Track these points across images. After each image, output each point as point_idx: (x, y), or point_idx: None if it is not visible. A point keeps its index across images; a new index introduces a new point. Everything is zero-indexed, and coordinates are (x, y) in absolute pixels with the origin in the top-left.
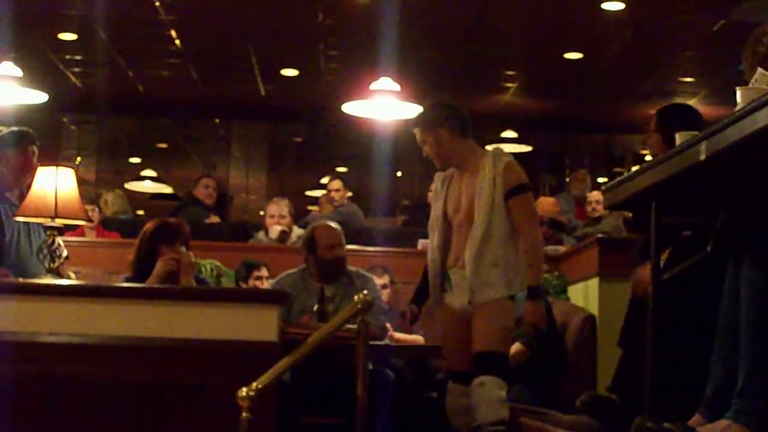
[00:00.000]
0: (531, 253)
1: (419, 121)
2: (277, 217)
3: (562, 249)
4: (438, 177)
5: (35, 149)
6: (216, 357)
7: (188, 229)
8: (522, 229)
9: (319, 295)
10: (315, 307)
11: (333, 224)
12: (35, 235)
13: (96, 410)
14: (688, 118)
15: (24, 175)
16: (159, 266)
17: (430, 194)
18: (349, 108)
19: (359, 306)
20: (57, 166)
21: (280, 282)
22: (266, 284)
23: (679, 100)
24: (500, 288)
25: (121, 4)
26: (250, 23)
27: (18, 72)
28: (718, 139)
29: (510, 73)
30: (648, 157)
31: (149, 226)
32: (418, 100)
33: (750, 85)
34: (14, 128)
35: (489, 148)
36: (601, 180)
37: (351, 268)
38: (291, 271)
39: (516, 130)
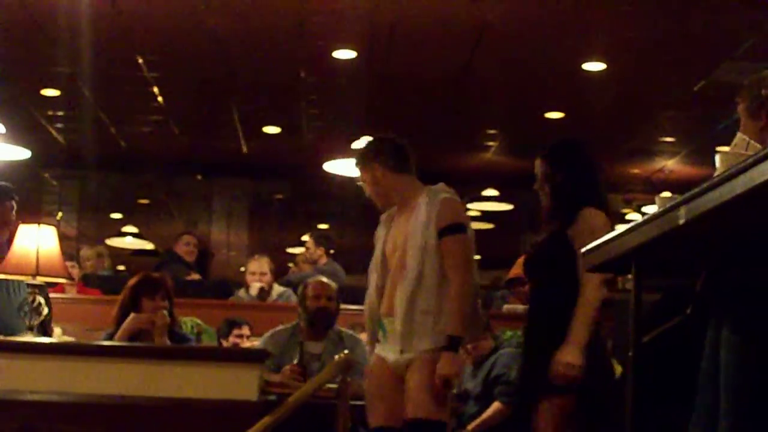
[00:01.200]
0: (456, 300)
1: (356, 158)
2: (257, 274)
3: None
4: (382, 218)
5: (14, 204)
6: (196, 416)
7: (171, 283)
8: (450, 273)
9: (300, 352)
10: (295, 362)
11: (326, 280)
12: (15, 293)
13: None
14: (574, 157)
15: (1, 230)
16: (128, 321)
17: None
18: (330, 167)
19: (340, 365)
20: (39, 223)
21: (272, 337)
22: (247, 343)
23: (659, 159)
24: (431, 338)
25: (104, 61)
26: (232, 81)
27: (1, 128)
28: (697, 204)
29: (491, 131)
30: (631, 216)
31: (132, 280)
32: None
33: (730, 148)
34: None
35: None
36: None
37: (342, 328)
38: (282, 327)
39: (497, 188)
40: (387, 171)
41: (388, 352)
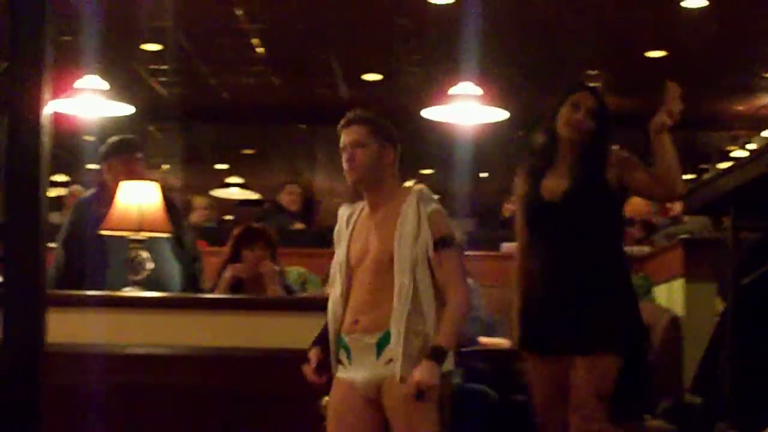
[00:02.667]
0: (455, 311)
1: (374, 125)
2: None
3: (646, 249)
4: (342, 213)
5: (140, 155)
6: (301, 367)
7: (273, 234)
8: (447, 289)
9: None
10: None
11: None
12: (160, 251)
13: (183, 421)
14: None
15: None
16: (225, 273)
17: (338, 232)
18: (428, 113)
19: None
20: (141, 179)
21: None
22: None
23: (763, 95)
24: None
25: (203, 14)
26: (330, 29)
27: (104, 85)
28: None
29: (592, 72)
30: (736, 153)
31: (234, 232)
32: (500, 102)
33: None
34: (117, 137)
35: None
36: (686, 177)
37: None
38: None
39: None
40: (394, 161)
41: (357, 372)
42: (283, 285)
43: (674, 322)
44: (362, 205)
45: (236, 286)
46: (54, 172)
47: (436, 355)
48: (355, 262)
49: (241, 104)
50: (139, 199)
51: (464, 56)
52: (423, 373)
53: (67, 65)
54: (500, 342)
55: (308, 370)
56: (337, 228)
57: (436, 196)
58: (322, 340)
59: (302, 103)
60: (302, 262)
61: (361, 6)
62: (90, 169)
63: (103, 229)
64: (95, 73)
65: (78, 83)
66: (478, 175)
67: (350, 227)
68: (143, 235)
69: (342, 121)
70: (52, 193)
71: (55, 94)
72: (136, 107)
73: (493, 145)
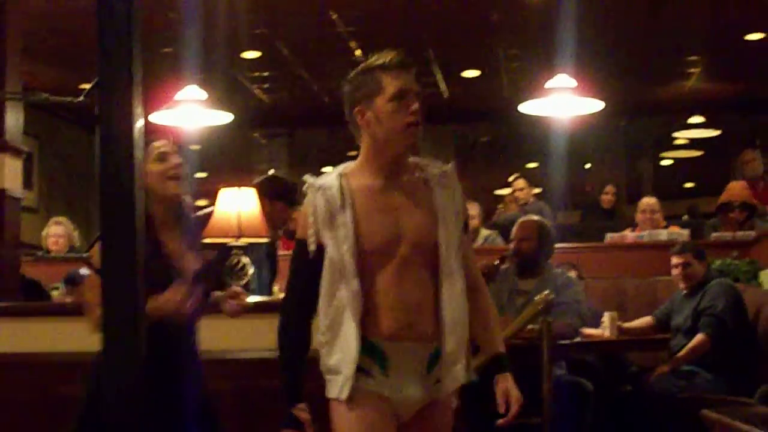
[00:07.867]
0: (495, 312)
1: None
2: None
3: (752, 233)
4: (316, 186)
5: (288, 207)
6: None
7: None
8: (478, 278)
9: (513, 289)
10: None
11: (531, 218)
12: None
13: None
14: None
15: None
16: None
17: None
18: (526, 108)
19: (540, 306)
20: (239, 186)
21: None
22: None
23: None
24: (468, 371)
25: (300, 20)
26: (426, 28)
27: (203, 94)
28: None
29: (692, 58)
30: None
31: None
32: (596, 93)
33: None
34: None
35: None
36: None
37: (557, 269)
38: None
39: (703, 115)
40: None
41: (403, 386)
42: None
43: None
44: (343, 180)
45: None
46: None
47: (507, 365)
48: (381, 249)
49: (343, 107)
50: (238, 205)
51: (560, 48)
52: (515, 389)
53: (169, 76)
54: (604, 333)
55: None
56: (318, 208)
57: (537, 189)
58: (298, 388)
59: None
60: None
61: (456, 2)
62: (196, 179)
63: (204, 236)
64: (196, 83)
65: (179, 94)
66: (581, 167)
67: (350, 209)
68: (243, 241)
69: (399, 58)
70: None
71: (157, 106)
72: (238, 115)
73: (594, 136)
